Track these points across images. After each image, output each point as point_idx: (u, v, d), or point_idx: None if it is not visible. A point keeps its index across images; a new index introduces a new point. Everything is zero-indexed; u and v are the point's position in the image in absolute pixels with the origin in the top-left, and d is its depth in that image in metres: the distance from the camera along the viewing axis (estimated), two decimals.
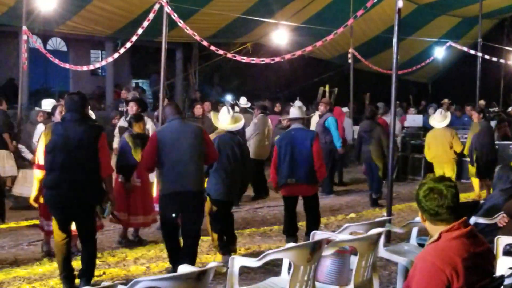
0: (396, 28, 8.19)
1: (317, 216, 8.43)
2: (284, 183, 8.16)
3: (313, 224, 8.21)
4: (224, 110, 7.81)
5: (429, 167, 12.56)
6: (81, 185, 6.07)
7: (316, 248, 4.85)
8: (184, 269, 4.54)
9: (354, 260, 5.26)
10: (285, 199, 8.40)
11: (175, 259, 6.64)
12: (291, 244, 5.16)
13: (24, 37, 12.77)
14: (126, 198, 8.20)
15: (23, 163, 10.54)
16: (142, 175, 8.35)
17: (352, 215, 10.52)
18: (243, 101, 14.71)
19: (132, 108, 10.00)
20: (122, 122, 10.59)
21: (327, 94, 17.84)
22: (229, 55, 11.77)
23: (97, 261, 7.08)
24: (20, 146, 10.64)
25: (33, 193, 6.49)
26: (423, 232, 6.54)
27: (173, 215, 6.66)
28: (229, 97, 15.19)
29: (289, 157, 8.08)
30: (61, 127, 6.15)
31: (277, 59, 10.84)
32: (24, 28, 12.60)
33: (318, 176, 8.21)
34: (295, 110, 8.51)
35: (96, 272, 6.78)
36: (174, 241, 6.83)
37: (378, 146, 11.27)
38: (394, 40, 8.28)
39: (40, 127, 9.12)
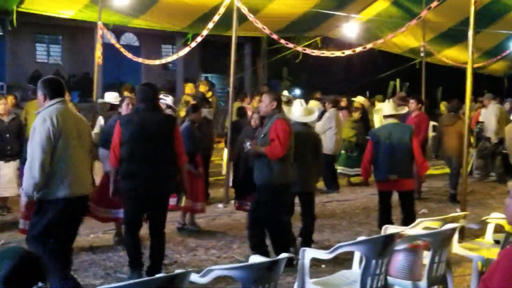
0: (471, 20, 7.99)
1: (413, 211, 8.38)
2: (384, 178, 8.11)
3: (411, 218, 8.11)
4: (296, 102, 7.82)
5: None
6: (160, 175, 6.14)
7: (388, 242, 4.80)
8: (255, 259, 4.57)
9: (427, 255, 5.18)
10: (382, 194, 8.28)
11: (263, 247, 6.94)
12: (363, 238, 5.12)
13: (99, 32, 13.09)
14: (192, 186, 8.39)
15: (97, 154, 10.79)
16: (200, 164, 8.64)
17: (425, 210, 10.33)
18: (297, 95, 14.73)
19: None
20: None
21: (397, 89, 17.57)
22: (299, 49, 11.76)
23: (169, 250, 7.23)
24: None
25: (112, 187, 6.51)
26: (498, 229, 6.36)
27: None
28: (285, 92, 15.19)
29: (388, 152, 8.00)
30: (137, 117, 6.19)
31: (347, 52, 10.74)
32: (99, 23, 12.92)
33: (421, 171, 8.29)
34: (389, 107, 8.39)
35: (167, 261, 6.91)
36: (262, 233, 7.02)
37: (460, 140, 11.03)
38: (470, 33, 8.08)
39: (100, 120, 9.33)
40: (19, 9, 15.76)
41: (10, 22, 15.89)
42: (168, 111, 8.31)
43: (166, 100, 8.61)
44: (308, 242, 7.49)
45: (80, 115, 5.96)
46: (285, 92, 14.92)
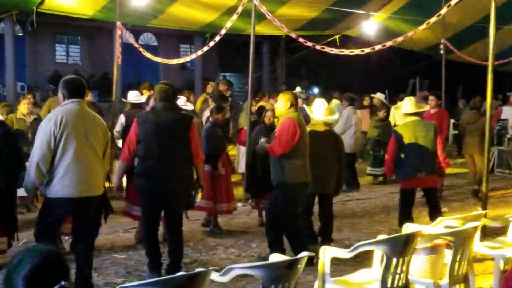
0: (492, 16, 7.91)
1: (439, 206, 8.43)
2: (411, 176, 8.06)
3: (440, 213, 8.10)
4: (318, 102, 7.76)
5: None
6: (175, 173, 6.16)
7: (409, 240, 4.77)
8: (276, 257, 4.57)
9: (448, 254, 5.14)
10: (406, 192, 8.25)
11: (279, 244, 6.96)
12: (384, 236, 5.10)
13: (118, 32, 13.15)
14: (212, 187, 8.36)
15: (117, 153, 10.86)
16: (226, 164, 8.52)
17: (445, 209, 10.24)
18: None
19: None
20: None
21: (417, 86, 17.46)
22: (318, 47, 11.70)
23: (189, 249, 7.25)
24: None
25: (117, 182, 6.61)
26: None
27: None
28: (298, 88, 15.11)
29: (414, 150, 7.98)
30: (154, 116, 6.22)
31: (367, 50, 10.67)
32: (118, 23, 12.97)
33: (443, 167, 8.41)
34: (410, 105, 8.33)
35: (188, 260, 6.93)
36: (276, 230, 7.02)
37: (482, 138, 10.95)
38: (491, 30, 7.99)
39: (121, 118, 9.37)
40: (39, 10, 15.89)
41: (30, 22, 16.04)
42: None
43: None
44: (326, 241, 7.47)
45: (96, 116, 5.86)
46: (298, 89, 14.83)
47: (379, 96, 14.80)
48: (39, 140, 5.46)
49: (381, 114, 13.16)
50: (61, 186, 5.47)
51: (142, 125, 6.19)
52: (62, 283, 2.34)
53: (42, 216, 5.69)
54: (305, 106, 8.52)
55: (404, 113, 8.43)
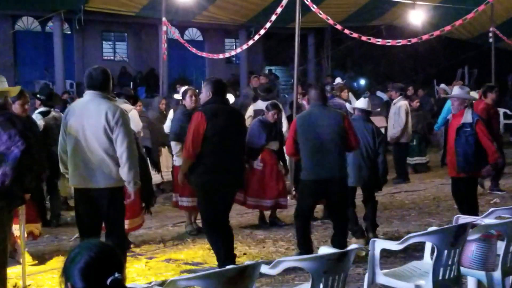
0: None
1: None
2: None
3: None
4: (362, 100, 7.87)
5: None
6: (238, 168, 6.27)
7: (460, 232, 4.70)
8: (325, 250, 4.56)
9: (501, 245, 5.04)
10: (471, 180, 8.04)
11: (309, 244, 6.76)
12: (434, 228, 5.04)
13: (164, 28, 13.29)
14: (254, 182, 8.41)
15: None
16: (266, 159, 8.50)
17: (497, 199, 10.06)
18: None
19: None
20: (261, 104, 10.44)
21: (466, 76, 17.14)
22: (364, 38, 11.61)
23: (237, 243, 7.30)
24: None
25: (181, 178, 6.57)
26: None
27: (311, 201, 6.77)
28: (338, 79, 14.93)
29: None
30: (220, 111, 6.17)
31: (413, 40, 10.56)
32: (164, 19, 13.11)
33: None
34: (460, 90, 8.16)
35: (236, 253, 6.97)
36: (308, 228, 6.91)
37: None
38: None
39: (170, 114, 9.47)
40: (86, 8, 16.16)
41: (77, 21, 16.35)
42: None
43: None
44: (369, 232, 7.57)
45: (101, 104, 5.52)
46: (338, 79, 14.64)
47: (443, 87, 14.63)
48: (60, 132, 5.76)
49: (414, 103, 13.01)
50: (71, 177, 5.69)
51: (211, 121, 6.04)
52: (116, 275, 2.43)
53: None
54: (352, 95, 8.49)
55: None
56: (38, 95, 9.70)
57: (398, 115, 11.68)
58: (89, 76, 5.63)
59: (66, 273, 2.48)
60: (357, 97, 11.09)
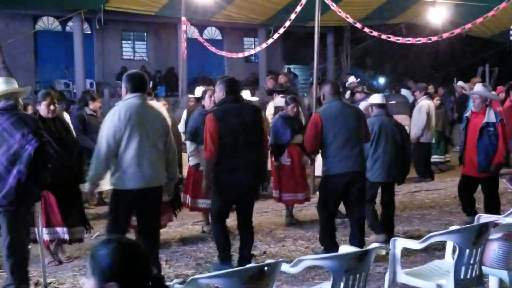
0: None
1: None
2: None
3: None
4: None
5: None
6: (256, 166, 6.23)
7: (482, 231, 4.67)
8: (346, 249, 4.55)
9: None
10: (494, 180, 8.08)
11: (334, 241, 6.75)
12: (456, 227, 5.01)
13: (183, 27, 13.34)
14: (276, 177, 8.50)
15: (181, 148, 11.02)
16: (293, 155, 8.52)
17: None
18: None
19: None
20: (279, 101, 10.46)
21: (487, 74, 17.01)
22: (384, 37, 11.55)
23: (257, 242, 7.31)
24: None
25: (206, 181, 6.46)
26: None
27: (336, 196, 6.76)
28: (352, 77, 14.83)
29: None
30: (233, 109, 6.18)
31: (434, 38, 10.48)
32: (183, 19, 13.16)
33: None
34: (483, 88, 8.09)
35: (257, 252, 6.98)
36: (332, 224, 6.91)
37: None
38: None
39: (184, 114, 9.48)
40: (106, 8, 16.25)
41: (97, 20, 16.45)
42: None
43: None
44: (386, 230, 7.52)
45: (154, 109, 5.96)
46: (352, 78, 14.56)
47: (460, 84, 14.52)
48: (105, 134, 5.57)
49: (435, 101, 12.92)
50: (125, 179, 5.60)
51: (224, 120, 6.09)
52: (155, 271, 2.47)
53: (110, 209, 5.87)
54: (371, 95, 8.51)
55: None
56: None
57: (419, 114, 11.62)
58: (137, 79, 5.76)
59: (92, 268, 2.44)
60: None
